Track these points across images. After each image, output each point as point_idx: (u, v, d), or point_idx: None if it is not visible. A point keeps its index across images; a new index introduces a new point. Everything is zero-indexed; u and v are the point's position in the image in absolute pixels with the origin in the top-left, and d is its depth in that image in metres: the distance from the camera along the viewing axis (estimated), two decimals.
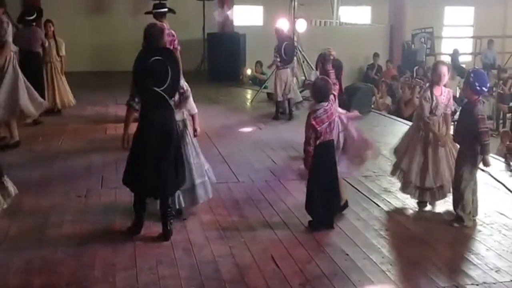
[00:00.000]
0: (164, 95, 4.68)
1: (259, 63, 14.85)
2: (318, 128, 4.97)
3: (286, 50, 9.80)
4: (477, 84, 5.13)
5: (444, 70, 5.62)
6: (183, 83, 5.00)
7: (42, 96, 8.63)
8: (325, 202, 5.14)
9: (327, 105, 5.05)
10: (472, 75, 5.23)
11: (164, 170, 4.76)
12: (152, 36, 4.90)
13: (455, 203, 5.33)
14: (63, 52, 10.07)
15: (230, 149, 7.93)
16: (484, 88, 5.21)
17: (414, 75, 16.30)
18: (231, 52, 14.26)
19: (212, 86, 13.49)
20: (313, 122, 4.97)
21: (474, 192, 5.38)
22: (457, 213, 5.31)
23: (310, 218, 5.22)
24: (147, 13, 8.31)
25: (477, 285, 4.27)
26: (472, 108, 5.20)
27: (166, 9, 8.22)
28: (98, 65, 15.15)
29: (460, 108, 5.32)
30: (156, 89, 4.63)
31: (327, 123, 5.03)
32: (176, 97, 4.91)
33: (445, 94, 5.64)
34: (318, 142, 5.03)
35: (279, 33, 10.10)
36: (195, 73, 13.84)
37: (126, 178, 4.91)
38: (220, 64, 14.18)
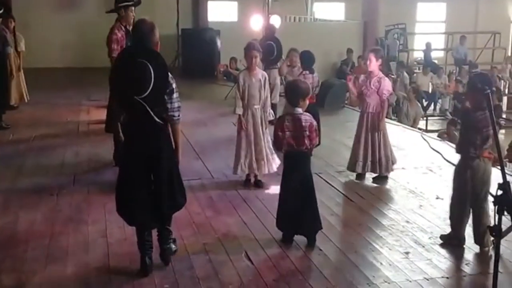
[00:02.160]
0: (145, 105, 3.93)
1: (233, 59, 14.83)
2: (280, 134, 4.67)
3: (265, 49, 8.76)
4: (486, 87, 4.47)
5: (370, 56, 6.27)
6: (176, 103, 4.10)
7: (6, 94, 8.50)
8: (300, 218, 4.73)
9: (298, 114, 4.69)
10: (477, 79, 4.82)
11: (158, 198, 4.14)
12: (138, 33, 4.13)
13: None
14: (21, 47, 9.87)
15: (204, 145, 7.92)
16: (487, 87, 4.46)
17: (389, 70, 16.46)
18: (205, 48, 14.21)
19: (186, 82, 13.35)
20: (277, 127, 4.72)
21: (477, 214, 4.77)
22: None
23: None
24: (109, 11, 7.16)
25: (447, 278, 4.33)
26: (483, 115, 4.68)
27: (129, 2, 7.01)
28: (69, 62, 14.99)
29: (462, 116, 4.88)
30: (136, 97, 3.92)
31: (291, 132, 4.65)
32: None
33: (375, 81, 6.27)
34: (284, 150, 4.75)
35: (267, 31, 9.76)
36: (169, 69, 13.73)
37: (118, 208, 4.25)
38: (195, 60, 14.13)
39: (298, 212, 4.73)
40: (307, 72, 7.32)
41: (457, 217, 4.82)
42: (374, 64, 6.29)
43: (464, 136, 4.79)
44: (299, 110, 4.73)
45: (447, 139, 9.51)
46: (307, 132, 4.67)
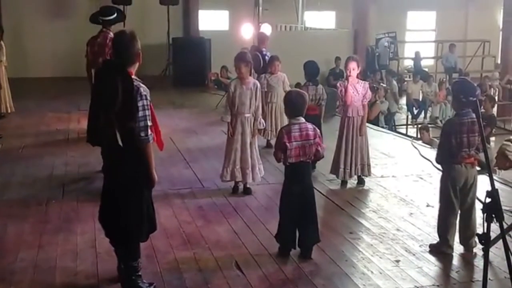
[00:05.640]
0: (112, 121, 3.77)
1: (224, 68, 14.83)
2: (288, 144, 4.55)
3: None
4: (461, 96, 4.67)
5: (352, 65, 6.36)
6: (142, 122, 3.81)
7: None
8: (300, 231, 4.67)
9: (304, 123, 4.65)
10: (455, 87, 4.94)
11: (115, 214, 3.98)
12: (116, 46, 3.99)
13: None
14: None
15: (194, 154, 7.90)
16: (471, 98, 4.54)
17: (381, 78, 16.55)
18: (196, 57, 14.21)
19: (177, 91, 13.43)
20: (285, 136, 4.58)
21: (469, 215, 4.83)
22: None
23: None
24: (92, 20, 7.23)
25: (438, 285, 4.33)
26: (468, 119, 4.70)
27: (114, 15, 7.24)
28: (59, 71, 14.91)
29: (451, 120, 4.93)
30: (103, 112, 3.83)
31: (299, 143, 4.59)
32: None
33: (360, 87, 6.44)
34: (288, 162, 4.62)
35: (256, 40, 9.66)
36: (160, 78, 13.74)
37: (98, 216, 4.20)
38: (186, 69, 14.11)
39: (299, 225, 4.66)
40: (310, 83, 7.09)
41: (444, 227, 4.83)
42: (357, 71, 6.45)
43: (443, 144, 4.81)
44: (303, 119, 4.67)
45: (424, 140, 9.85)
46: (315, 140, 4.64)
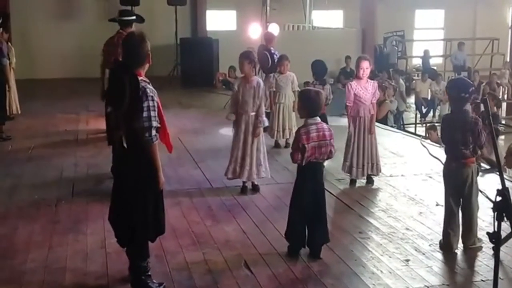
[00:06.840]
0: (119, 121, 3.85)
1: (232, 68, 14.84)
2: (306, 145, 4.51)
3: (260, 58, 8.94)
4: (452, 93, 4.80)
5: (365, 64, 6.33)
6: (146, 122, 3.79)
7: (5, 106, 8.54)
8: (310, 230, 4.67)
9: (320, 123, 4.62)
10: (448, 84, 5.05)
11: (122, 214, 4.01)
12: (126, 47, 3.99)
13: None
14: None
15: (203, 154, 7.90)
16: (463, 95, 4.68)
17: (388, 77, 16.49)
18: (204, 57, 14.24)
19: (185, 91, 13.46)
20: (303, 138, 4.52)
21: (466, 214, 4.81)
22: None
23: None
24: (111, 20, 7.42)
25: (448, 285, 4.31)
26: (460, 117, 4.73)
27: (133, 17, 7.38)
28: (68, 72, 14.99)
29: (444, 116, 5.04)
30: (113, 112, 3.93)
31: (316, 143, 4.56)
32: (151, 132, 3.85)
33: (370, 86, 6.42)
34: (304, 161, 4.58)
35: (264, 40, 9.60)
36: (168, 78, 13.78)
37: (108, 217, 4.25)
38: (193, 69, 14.14)
39: (309, 224, 4.66)
40: (318, 83, 7.12)
41: (447, 224, 4.85)
42: (369, 70, 6.43)
43: (441, 139, 4.94)
44: (319, 119, 4.65)
45: (432, 139, 9.79)
46: (331, 141, 4.63)
